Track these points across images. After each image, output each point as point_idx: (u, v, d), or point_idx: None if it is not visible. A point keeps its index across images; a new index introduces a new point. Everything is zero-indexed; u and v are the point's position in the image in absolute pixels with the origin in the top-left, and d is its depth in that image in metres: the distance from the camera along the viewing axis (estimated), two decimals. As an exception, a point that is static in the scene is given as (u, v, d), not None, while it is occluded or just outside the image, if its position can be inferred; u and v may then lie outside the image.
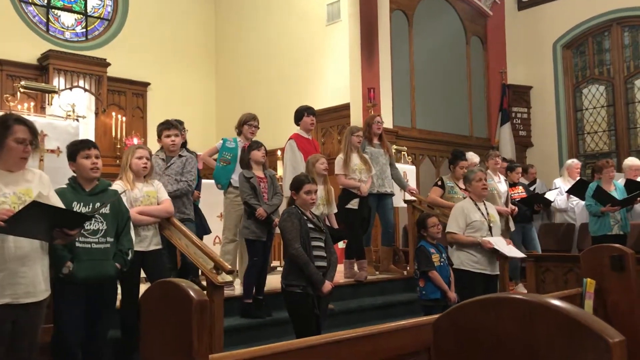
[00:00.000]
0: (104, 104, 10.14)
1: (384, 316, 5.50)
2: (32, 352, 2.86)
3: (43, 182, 2.91)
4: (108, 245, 3.29)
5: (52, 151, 3.85)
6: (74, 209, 3.10)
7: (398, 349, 2.06)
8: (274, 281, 5.33)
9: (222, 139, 5.78)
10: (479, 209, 4.82)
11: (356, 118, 8.39)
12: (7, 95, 4.23)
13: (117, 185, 3.91)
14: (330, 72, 9.49)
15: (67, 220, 2.70)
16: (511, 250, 4.88)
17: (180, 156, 4.70)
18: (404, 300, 5.83)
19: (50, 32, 10.19)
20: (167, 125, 4.68)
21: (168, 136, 4.65)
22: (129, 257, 3.39)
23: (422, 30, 9.54)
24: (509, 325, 0.97)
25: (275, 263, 7.08)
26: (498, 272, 4.87)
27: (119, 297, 3.66)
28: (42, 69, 9.59)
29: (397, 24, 9.18)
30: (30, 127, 2.85)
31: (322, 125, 9.56)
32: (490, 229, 4.77)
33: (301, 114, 5.93)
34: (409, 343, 2.12)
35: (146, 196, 3.97)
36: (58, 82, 9.57)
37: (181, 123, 5.29)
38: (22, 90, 4.56)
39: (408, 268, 6.56)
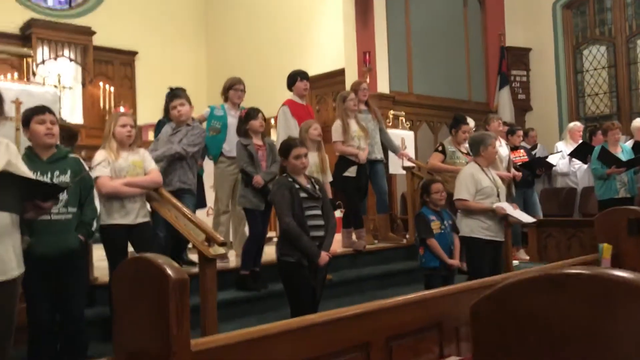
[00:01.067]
0: (90, 74, 9.84)
1: (384, 286, 5.36)
2: (9, 334, 2.66)
3: (10, 151, 2.65)
4: (70, 216, 3.08)
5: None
6: None
7: (404, 325, 1.88)
8: (270, 252, 5.16)
9: (209, 106, 5.53)
10: (487, 175, 4.62)
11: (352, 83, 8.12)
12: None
13: (99, 155, 3.68)
14: (323, 36, 9.19)
15: (39, 191, 2.47)
16: (522, 215, 4.71)
17: (187, 125, 4.51)
18: (405, 269, 5.68)
19: (32, 0, 9.80)
20: (172, 95, 4.49)
21: (174, 107, 4.47)
22: (93, 228, 3.19)
23: (418, -8, 9.20)
24: (580, 309, 0.77)
25: (271, 234, 6.90)
26: (503, 239, 4.70)
27: (106, 272, 3.47)
28: (25, 38, 9.25)
29: (392, -15, 8.83)
30: None
31: (317, 92, 9.31)
32: (498, 194, 4.58)
33: (294, 78, 5.67)
34: (417, 318, 1.94)
35: (132, 166, 3.74)
36: (42, 52, 9.24)
37: (183, 90, 5.05)
38: (-4, 55, 4.28)
39: (407, 236, 6.40)
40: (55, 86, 9.34)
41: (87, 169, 3.30)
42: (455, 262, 4.41)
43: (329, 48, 8.91)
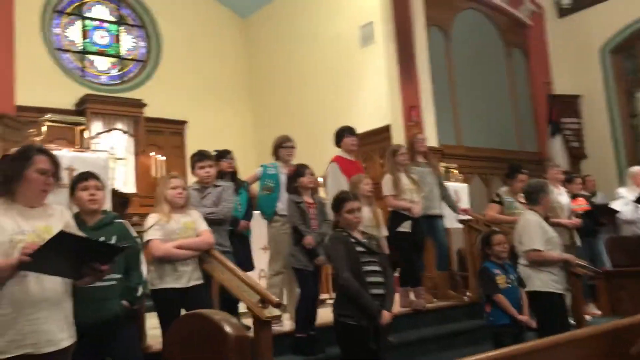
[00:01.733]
0: (142, 145, 10.07)
1: (448, 347, 5.03)
2: None
3: (64, 218, 2.62)
4: (113, 283, 2.96)
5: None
6: None
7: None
8: (323, 315, 4.96)
9: (262, 165, 5.50)
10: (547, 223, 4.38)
11: (398, 139, 8.03)
12: (33, 130, 4.04)
13: (151, 218, 3.64)
14: (367, 94, 9.20)
15: (96, 253, 2.38)
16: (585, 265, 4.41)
17: (215, 186, 4.43)
18: (468, 328, 5.35)
19: (86, 77, 10.25)
20: (200, 157, 4.45)
21: (202, 167, 4.41)
22: (139, 294, 3.07)
23: (460, 45, 9.20)
24: None
25: (324, 295, 6.68)
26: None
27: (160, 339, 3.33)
28: (80, 113, 9.57)
29: (434, 40, 8.87)
30: (51, 157, 2.60)
31: (363, 149, 9.20)
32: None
33: (341, 135, 5.61)
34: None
35: (184, 228, 3.68)
36: (96, 126, 9.55)
37: (229, 152, 5.07)
38: (47, 123, 4.38)
39: (468, 293, 6.08)
40: (109, 157, 9.62)
41: (133, 234, 3.24)
42: (525, 318, 4.11)
43: (374, 105, 8.90)
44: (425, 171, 5.78)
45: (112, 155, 9.57)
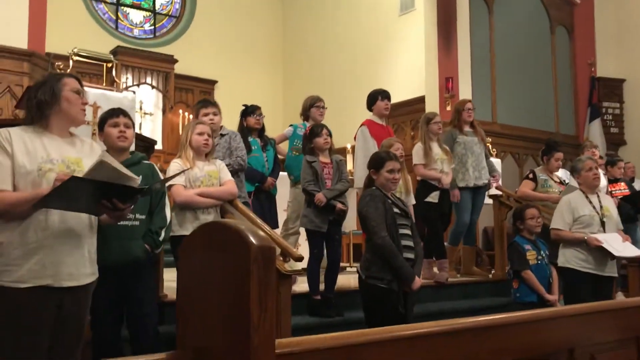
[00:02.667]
0: (171, 102, 10.00)
1: (469, 322, 4.89)
2: (78, 345, 2.44)
3: (94, 153, 2.52)
4: (137, 223, 2.87)
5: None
6: None
7: (528, 350, 1.51)
8: (343, 281, 4.85)
9: (292, 125, 5.36)
10: (590, 201, 4.16)
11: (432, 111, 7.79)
12: (59, 63, 3.93)
13: (175, 164, 3.53)
14: (403, 63, 8.95)
15: (116, 192, 2.26)
16: (625, 249, 4.17)
17: (222, 135, 4.20)
18: (491, 305, 5.18)
19: (119, 30, 10.17)
20: (204, 103, 4.25)
21: (206, 114, 4.16)
22: (161, 238, 2.95)
23: (503, 19, 8.84)
24: None
25: (344, 264, 6.57)
26: (614, 274, 4.18)
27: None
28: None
29: (476, 11, 8.52)
30: (78, 79, 2.52)
31: (394, 120, 9.02)
32: (603, 223, 4.09)
33: (374, 97, 5.41)
34: (542, 341, 1.56)
35: (207, 176, 3.56)
36: (126, 78, 9.50)
37: (258, 108, 4.92)
38: (74, 57, 4.27)
39: (493, 271, 5.91)
40: (137, 111, 9.57)
41: (160, 176, 3.13)
42: (554, 297, 3.95)
43: (409, 75, 8.66)
44: (473, 140, 5.57)
45: (140, 111, 9.59)
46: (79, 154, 2.43)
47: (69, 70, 3.85)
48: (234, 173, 3.88)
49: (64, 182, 2.10)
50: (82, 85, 2.50)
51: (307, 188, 4.20)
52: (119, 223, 2.77)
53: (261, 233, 0.94)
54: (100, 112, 3.35)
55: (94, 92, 3.49)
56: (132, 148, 3.53)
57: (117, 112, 3.01)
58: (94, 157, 2.44)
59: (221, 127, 4.32)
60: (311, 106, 5.11)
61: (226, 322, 0.93)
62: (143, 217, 2.90)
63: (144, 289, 2.92)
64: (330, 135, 4.38)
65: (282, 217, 5.43)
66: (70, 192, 2.14)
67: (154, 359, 0.98)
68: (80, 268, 2.36)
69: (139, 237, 2.86)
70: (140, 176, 2.89)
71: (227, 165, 3.91)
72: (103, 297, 2.73)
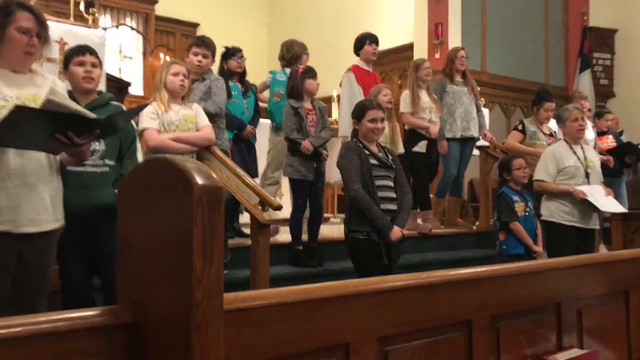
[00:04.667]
0: (151, 45, 9.66)
1: (452, 273, 4.85)
2: (41, 295, 2.33)
3: (57, 89, 2.33)
4: (106, 169, 2.70)
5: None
6: None
7: (514, 303, 1.41)
8: (326, 231, 4.77)
9: (271, 71, 5.17)
10: (574, 152, 4.06)
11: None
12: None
13: (149, 107, 3.34)
14: (391, 9, 8.66)
15: (73, 126, 2.09)
16: (609, 203, 4.11)
17: (203, 79, 3.97)
18: (474, 256, 5.14)
19: (97, -32, 9.69)
20: (198, 41, 4.01)
21: (196, 54, 3.94)
22: None
23: (497, -36, 8.53)
24: None
25: (327, 214, 6.50)
26: (596, 226, 4.13)
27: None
28: (88, 4, 9.10)
29: (469, -45, 8.20)
30: (37, 15, 2.28)
31: (382, 68, 8.77)
32: (587, 175, 4.00)
33: (362, 41, 5.20)
34: (530, 295, 1.47)
35: (183, 120, 3.38)
36: (104, 19, 9.11)
37: (239, 50, 4.69)
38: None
39: (477, 223, 5.86)
40: (117, 55, 9.24)
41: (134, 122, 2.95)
42: (541, 249, 3.89)
43: (397, 21, 8.38)
44: (462, 91, 5.42)
45: (119, 54, 9.25)
46: (38, 90, 2.25)
47: (32, 2, 3.58)
48: (210, 119, 3.71)
49: (9, 112, 1.93)
50: (40, 20, 2.27)
51: (290, 136, 4.04)
52: (88, 170, 2.63)
53: (206, 169, 0.81)
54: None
55: (60, 28, 3.26)
56: (103, 89, 3.35)
57: (83, 50, 2.78)
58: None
59: (209, 70, 4.12)
60: (303, 53, 4.93)
61: (168, 275, 0.81)
62: (112, 162, 2.73)
63: (114, 240, 2.77)
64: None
65: (262, 166, 5.30)
66: (19, 126, 1.97)
67: (87, 314, 0.85)
68: (40, 213, 2.22)
69: (110, 183, 2.71)
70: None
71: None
72: (72, 245, 2.60)
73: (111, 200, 2.68)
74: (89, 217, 2.63)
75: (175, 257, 0.80)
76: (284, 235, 4.59)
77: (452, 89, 5.39)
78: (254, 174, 4.65)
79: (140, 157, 2.92)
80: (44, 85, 2.30)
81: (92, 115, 2.09)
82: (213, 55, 4.06)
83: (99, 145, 2.64)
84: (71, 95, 2.71)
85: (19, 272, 2.22)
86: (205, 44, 3.97)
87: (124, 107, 2.98)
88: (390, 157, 3.40)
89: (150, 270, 0.86)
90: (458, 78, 5.48)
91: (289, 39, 5.25)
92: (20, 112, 1.92)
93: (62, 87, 2.43)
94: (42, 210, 2.22)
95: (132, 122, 2.94)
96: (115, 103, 2.88)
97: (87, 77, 2.71)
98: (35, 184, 2.20)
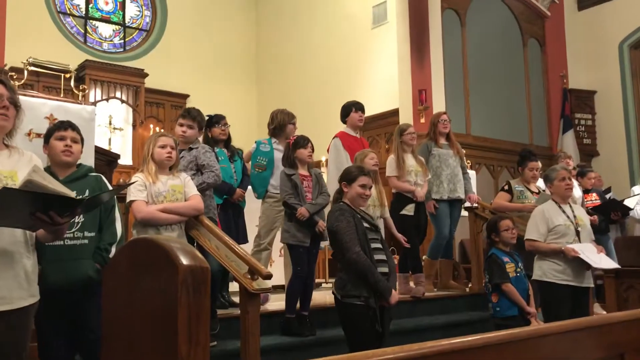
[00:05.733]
0: (141, 116, 9.79)
1: (445, 337, 4.73)
2: None
3: (33, 163, 2.32)
4: (85, 242, 2.67)
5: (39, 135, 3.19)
6: None
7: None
8: (317, 297, 4.70)
9: (256, 141, 5.21)
10: (563, 211, 4.08)
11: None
12: (13, 74, 3.74)
13: (135, 178, 3.35)
14: (376, 76, 8.90)
15: (55, 205, 2.06)
16: (601, 260, 4.09)
17: (190, 149, 4.00)
18: (469, 319, 5.07)
19: (88, 44, 9.96)
20: (184, 113, 4.06)
21: (181, 125, 4.00)
22: (111, 254, 2.72)
23: (476, 31, 8.85)
24: None
25: (319, 280, 6.42)
26: (591, 284, 4.10)
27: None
28: (79, 79, 9.30)
29: (448, 23, 8.52)
30: (2, 81, 2.25)
31: (369, 133, 8.96)
32: (577, 233, 4.01)
33: (348, 109, 5.31)
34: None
35: (171, 191, 3.38)
36: (95, 93, 9.27)
37: (222, 117, 4.75)
38: (29, 68, 4.07)
39: (470, 285, 5.81)
40: (107, 127, 9.34)
41: (109, 187, 2.93)
42: (534, 310, 3.85)
43: (382, 87, 8.60)
44: (448, 153, 5.51)
45: (109, 126, 9.36)
46: (14, 166, 2.23)
47: (22, 81, 3.65)
48: (207, 189, 3.72)
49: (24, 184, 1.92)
50: (7, 85, 2.24)
51: (288, 201, 4.05)
52: (66, 243, 2.60)
53: (192, 250, 0.80)
54: (56, 125, 3.16)
55: (50, 104, 3.31)
56: (92, 163, 3.37)
57: (64, 125, 2.82)
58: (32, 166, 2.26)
59: (197, 140, 4.16)
60: (289, 122, 4.96)
61: (153, 356, 0.79)
62: (92, 234, 2.70)
63: (96, 311, 2.70)
64: (313, 149, 4.26)
65: (252, 231, 5.28)
66: (2, 205, 1.95)
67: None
68: (13, 290, 2.14)
69: (89, 256, 2.67)
70: (84, 191, 2.71)
71: (201, 184, 3.75)
72: (51, 321, 2.54)
73: (92, 273, 2.64)
74: (69, 291, 2.58)
75: (160, 339, 0.78)
76: (275, 303, 4.52)
77: (438, 151, 5.48)
78: (243, 240, 4.62)
79: (119, 227, 2.87)
80: (21, 161, 2.29)
81: (72, 194, 2.07)
82: (200, 126, 4.10)
83: (78, 218, 2.62)
84: (49, 170, 2.71)
85: None
86: (191, 115, 4.03)
87: (104, 178, 2.95)
88: (375, 221, 3.42)
89: (136, 352, 0.83)
90: (443, 141, 5.58)
91: (278, 108, 5.32)
92: (5, 194, 1.90)
93: (39, 163, 2.41)
94: (16, 287, 2.16)
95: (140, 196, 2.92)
96: (94, 174, 2.87)
97: (67, 150, 2.73)
98: (10, 263, 2.14)
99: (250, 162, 5.22)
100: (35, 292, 2.25)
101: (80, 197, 2.13)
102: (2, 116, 2.20)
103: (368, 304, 3.09)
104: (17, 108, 2.26)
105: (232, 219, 4.54)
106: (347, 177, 3.38)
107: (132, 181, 3.22)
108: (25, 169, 2.22)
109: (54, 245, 2.50)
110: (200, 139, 4.45)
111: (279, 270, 5.36)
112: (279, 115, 5.06)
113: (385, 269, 3.21)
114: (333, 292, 3.32)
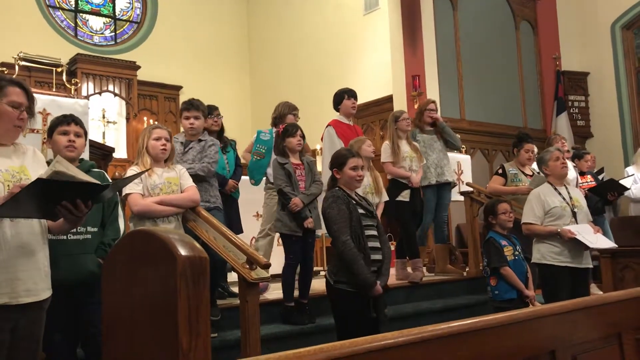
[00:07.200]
0: (135, 109, 9.75)
1: (444, 321, 4.76)
2: None
3: (38, 160, 2.35)
4: (88, 236, 2.70)
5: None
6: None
7: (513, 353, 1.39)
8: (317, 285, 4.72)
9: (257, 131, 5.21)
10: (559, 193, 4.09)
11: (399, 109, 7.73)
12: (4, 69, 3.73)
13: (131, 171, 3.35)
14: (369, 63, 8.87)
15: (76, 193, 2.08)
16: (598, 240, 4.10)
17: (200, 140, 4.04)
18: (467, 303, 5.11)
19: (78, 37, 9.89)
20: (187, 106, 4.07)
21: (187, 117, 4.02)
22: None
23: (468, 15, 8.84)
24: None
25: (317, 267, 6.44)
26: (589, 265, 4.11)
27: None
28: (71, 74, 9.24)
29: (441, 8, 8.50)
30: (27, 90, 2.31)
31: (363, 120, 8.96)
32: (574, 215, 4.02)
33: (341, 97, 5.29)
34: (521, 344, 1.45)
35: (167, 183, 3.38)
36: (87, 87, 9.22)
37: (215, 108, 4.74)
38: (20, 62, 4.05)
39: (467, 269, 5.84)
40: (100, 120, 9.30)
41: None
42: (533, 293, 3.87)
43: (375, 75, 8.58)
44: (432, 138, 5.54)
45: (102, 120, 9.32)
46: (22, 162, 2.27)
47: (14, 77, 3.62)
48: (200, 179, 3.72)
49: (30, 183, 1.93)
50: (29, 95, 2.30)
51: (283, 190, 4.06)
52: (69, 238, 2.62)
53: (191, 241, 0.81)
54: (50, 120, 3.15)
55: (43, 99, 3.29)
56: (87, 157, 3.36)
57: (67, 119, 2.82)
58: (37, 165, 2.31)
59: (204, 131, 4.17)
60: (289, 114, 4.96)
61: (154, 349, 0.79)
62: (95, 229, 2.73)
63: (99, 305, 2.71)
64: (303, 137, 4.25)
65: (248, 221, 5.28)
66: (30, 197, 1.96)
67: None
68: (38, 282, 2.19)
69: (92, 251, 2.69)
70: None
71: (189, 169, 3.74)
72: (55, 316, 2.54)
73: (94, 269, 2.66)
74: (72, 286, 2.60)
75: (161, 330, 0.79)
76: (275, 292, 4.53)
77: (422, 137, 5.54)
78: (237, 230, 4.63)
79: (122, 223, 2.90)
80: (27, 157, 2.31)
81: (96, 181, 2.09)
82: (205, 115, 4.12)
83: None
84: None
85: (11, 346, 2.16)
86: (194, 106, 4.03)
87: (105, 173, 2.99)
88: (371, 207, 3.41)
89: (137, 344, 0.84)
90: (428, 127, 5.62)
91: (281, 100, 5.30)
92: (38, 184, 1.91)
93: (42, 158, 2.43)
94: (39, 279, 2.20)
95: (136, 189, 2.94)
96: (96, 170, 2.89)
97: (70, 145, 2.74)
98: (31, 257, 2.18)
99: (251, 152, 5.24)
100: (49, 285, 2.28)
101: (105, 183, 2.13)
102: (18, 128, 2.25)
103: (359, 290, 3.09)
104: (30, 115, 2.29)
105: (226, 209, 4.53)
106: (336, 163, 3.36)
107: (133, 174, 3.21)
108: (32, 163, 2.28)
109: (58, 240, 2.53)
110: None
111: (279, 259, 5.38)
112: (280, 107, 5.07)
113: (379, 256, 3.20)
114: (326, 277, 3.32)
